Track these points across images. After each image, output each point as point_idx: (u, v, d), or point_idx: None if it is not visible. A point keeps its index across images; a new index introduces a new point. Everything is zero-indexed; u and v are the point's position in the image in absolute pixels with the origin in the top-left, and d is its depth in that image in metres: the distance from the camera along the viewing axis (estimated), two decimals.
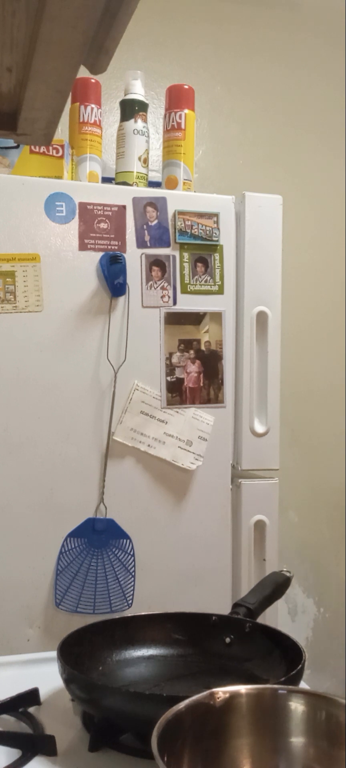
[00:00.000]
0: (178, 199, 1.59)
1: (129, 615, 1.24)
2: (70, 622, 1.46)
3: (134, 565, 1.54)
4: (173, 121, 1.71)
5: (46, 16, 0.48)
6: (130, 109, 1.69)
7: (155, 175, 1.79)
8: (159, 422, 1.54)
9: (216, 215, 1.59)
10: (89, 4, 0.47)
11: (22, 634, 1.47)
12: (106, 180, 1.72)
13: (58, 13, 0.48)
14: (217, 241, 1.59)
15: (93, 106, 1.68)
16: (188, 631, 1.14)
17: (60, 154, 1.61)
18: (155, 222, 1.56)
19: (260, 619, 1.13)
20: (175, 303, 1.57)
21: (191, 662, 1.11)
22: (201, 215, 1.58)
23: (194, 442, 1.56)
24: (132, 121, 1.68)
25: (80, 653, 1.00)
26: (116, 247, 1.53)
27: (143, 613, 1.20)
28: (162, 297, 1.56)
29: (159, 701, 0.82)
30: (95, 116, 1.69)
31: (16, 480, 1.47)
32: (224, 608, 1.23)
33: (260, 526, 1.61)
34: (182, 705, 0.74)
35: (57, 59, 0.55)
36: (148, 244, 1.55)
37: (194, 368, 1.57)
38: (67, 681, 0.94)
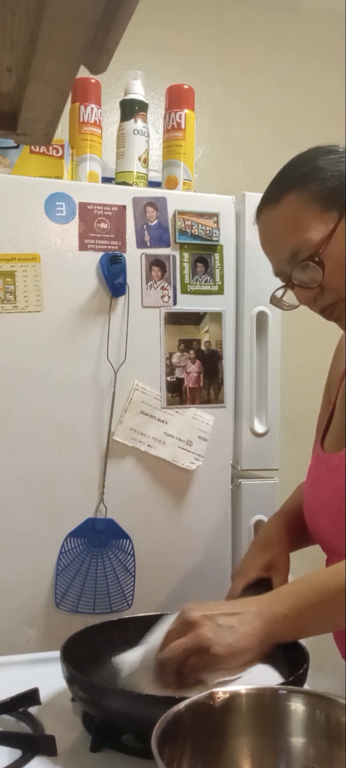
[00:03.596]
0: (178, 199, 1.58)
1: (127, 616, 1.24)
2: (70, 622, 1.46)
3: (134, 565, 1.53)
4: (173, 121, 1.71)
5: (46, 16, 0.48)
6: (130, 109, 1.68)
7: (155, 175, 1.79)
8: (159, 422, 1.54)
9: (216, 215, 1.59)
10: (89, 4, 0.47)
11: (22, 634, 1.47)
12: (106, 180, 1.72)
13: (58, 13, 0.48)
14: (217, 241, 1.59)
15: (93, 106, 1.68)
16: None
17: (60, 154, 1.61)
18: (155, 222, 1.56)
19: None
20: (175, 303, 1.57)
21: None
22: (201, 215, 1.58)
23: (194, 442, 1.56)
24: (132, 121, 1.68)
25: (81, 655, 1.00)
26: (116, 247, 1.53)
27: (141, 615, 1.20)
28: (162, 297, 1.56)
29: (160, 702, 0.82)
30: (95, 116, 1.69)
31: (16, 480, 1.47)
32: None
33: (260, 526, 1.60)
34: (181, 705, 0.74)
35: (57, 59, 0.55)
36: (148, 244, 1.55)
37: (194, 368, 1.57)
38: (70, 682, 0.94)
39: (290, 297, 1.14)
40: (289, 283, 1.10)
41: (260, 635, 0.94)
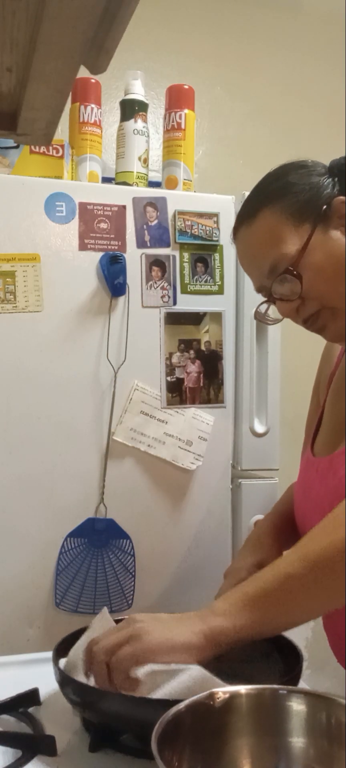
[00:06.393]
0: (178, 199, 1.58)
1: (119, 617, 1.23)
2: (70, 622, 1.46)
3: (134, 565, 1.53)
4: (173, 121, 1.71)
5: (46, 16, 0.48)
6: (130, 109, 1.68)
7: (155, 175, 1.79)
8: (159, 422, 1.54)
9: (216, 215, 1.59)
10: (89, 4, 0.47)
11: (22, 634, 1.47)
12: (106, 180, 1.72)
13: (58, 13, 0.48)
14: (217, 241, 1.59)
15: (93, 106, 1.68)
16: None
17: (60, 154, 1.61)
18: (155, 222, 1.56)
19: None
20: (175, 303, 1.57)
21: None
22: (201, 215, 1.58)
23: (194, 442, 1.56)
24: (132, 121, 1.68)
25: None
26: (116, 247, 1.53)
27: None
28: (162, 297, 1.56)
29: (155, 705, 0.82)
30: (95, 116, 1.69)
31: (16, 480, 1.47)
32: None
33: None
34: (181, 705, 0.74)
35: (57, 59, 0.55)
36: (148, 244, 1.55)
37: (194, 368, 1.57)
38: (62, 684, 0.94)
39: (275, 311, 1.16)
40: (270, 298, 1.12)
41: (199, 632, 0.87)
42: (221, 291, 1.60)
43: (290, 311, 1.10)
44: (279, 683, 0.88)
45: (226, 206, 1.61)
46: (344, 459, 1.08)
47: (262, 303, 1.15)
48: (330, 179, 1.09)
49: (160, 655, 0.86)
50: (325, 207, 1.07)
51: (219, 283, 1.60)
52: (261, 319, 1.18)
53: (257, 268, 1.12)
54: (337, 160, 1.12)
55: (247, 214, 1.12)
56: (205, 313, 1.59)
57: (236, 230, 1.16)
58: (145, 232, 1.55)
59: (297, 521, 1.21)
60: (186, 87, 1.74)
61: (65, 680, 0.93)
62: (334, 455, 1.11)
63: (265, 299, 1.14)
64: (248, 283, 1.61)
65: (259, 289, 1.14)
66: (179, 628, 0.88)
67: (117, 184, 1.68)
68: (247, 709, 0.78)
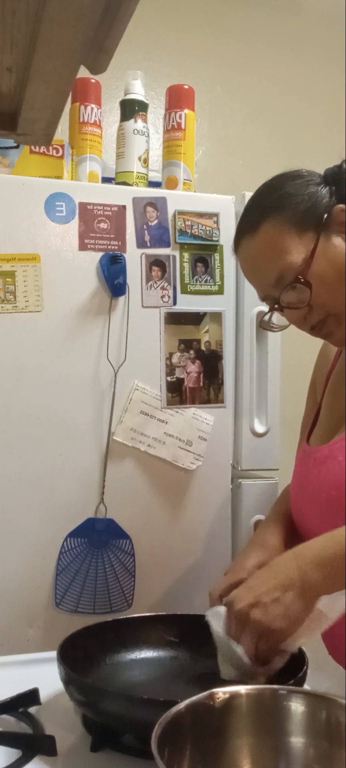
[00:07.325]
0: (178, 199, 1.58)
1: (120, 617, 1.23)
2: (70, 622, 1.46)
3: (134, 565, 1.53)
4: (173, 121, 1.71)
5: (46, 17, 0.48)
6: (130, 109, 1.68)
7: (155, 175, 1.79)
8: (159, 422, 1.54)
9: (216, 215, 1.59)
10: (89, 4, 0.47)
11: (22, 634, 1.47)
12: (106, 180, 1.72)
13: (58, 14, 0.48)
14: (217, 241, 1.59)
15: (93, 106, 1.68)
16: (180, 632, 1.13)
17: (60, 154, 1.61)
18: (155, 222, 1.56)
19: None
20: (175, 303, 1.57)
21: (185, 663, 1.10)
22: (201, 215, 1.58)
23: (194, 442, 1.56)
24: (132, 121, 1.68)
25: (75, 658, 1.00)
26: (116, 247, 1.53)
27: (136, 615, 1.20)
28: (162, 297, 1.56)
29: (155, 705, 0.82)
30: (95, 116, 1.69)
31: (16, 479, 1.47)
32: None
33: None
34: (182, 705, 0.74)
35: (57, 59, 0.55)
36: (148, 244, 1.55)
37: (193, 368, 1.57)
38: (66, 683, 0.94)
39: (279, 318, 1.18)
40: (278, 307, 1.14)
41: (302, 588, 0.94)
42: (221, 291, 1.60)
43: (298, 319, 1.13)
44: (285, 685, 0.88)
45: (226, 206, 1.61)
46: (345, 445, 1.09)
47: (267, 312, 1.18)
48: (327, 188, 1.12)
49: (292, 629, 0.93)
50: (326, 216, 1.09)
51: (219, 283, 1.60)
52: (266, 327, 1.21)
53: (262, 278, 1.14)
54: (331, 169, 1.15)
55: (248, 226, 1.14)
56: (205, 313, 1.59)
57: (237, 243, 1.18)
58: (145, 232, 1.55)
59: (293, 515, 1.22)
60: (186, 87, 1.74)
61: (69, 679, 0.93)
62: (333, 442, 1.13)
63: (271, 309, 1.16)
64: (248, 283, 1.61)
65: (264, 299, 1.17)
66: (287, 598, 0.94)
67: (117, 184, 1.68)
68: (247, 709, 0.78)
